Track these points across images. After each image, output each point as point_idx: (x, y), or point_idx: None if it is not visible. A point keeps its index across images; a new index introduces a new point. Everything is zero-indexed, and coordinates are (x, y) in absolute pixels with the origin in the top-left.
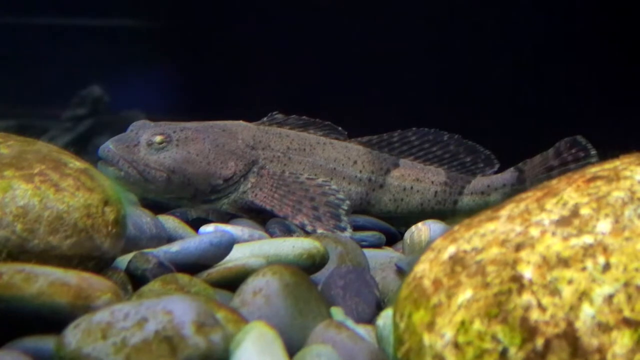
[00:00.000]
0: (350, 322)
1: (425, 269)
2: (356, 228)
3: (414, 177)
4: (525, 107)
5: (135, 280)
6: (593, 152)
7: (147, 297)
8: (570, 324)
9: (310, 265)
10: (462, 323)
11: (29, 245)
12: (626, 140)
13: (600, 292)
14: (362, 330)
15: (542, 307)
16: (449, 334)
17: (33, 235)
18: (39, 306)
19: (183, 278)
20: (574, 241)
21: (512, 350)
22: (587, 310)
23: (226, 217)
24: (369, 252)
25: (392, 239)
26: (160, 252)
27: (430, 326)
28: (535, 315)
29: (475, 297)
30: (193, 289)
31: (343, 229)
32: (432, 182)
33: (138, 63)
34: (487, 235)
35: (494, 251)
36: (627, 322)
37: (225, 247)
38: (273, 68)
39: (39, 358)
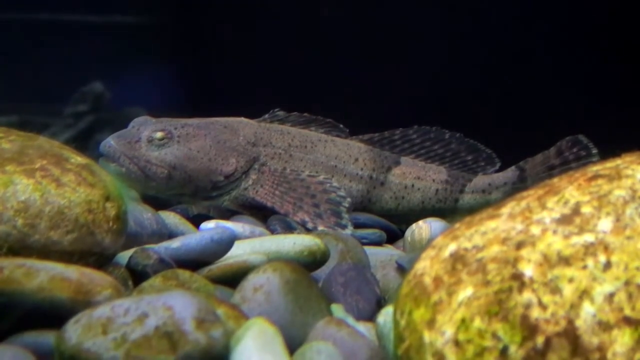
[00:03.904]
0: (350, 319)
1: (426, 266)
2: (357, 225)
3: (415, 175)
4: (526, 106)
5: (136, 276)
6: (594, 151)
7: (148, 293)
8: (570, 322)
9: (311, 262)
10: (463, 321)
11: (30, 240)
12: (627, 139)
13: (601, 290)
14: (363, 327)
15: (542, 305)
16: (449, 331)
17: (34, 230)
18: (39, 301)
19: (184, 274)
20: (575, 239)
21: (513, 348)
22: (587, 309)
23: (227, 214)
24: (370, 250)
25: (393, 236)
26: (161, 248)
27: (431, 324)
28: (535, 313)
29: (475, 294)
30: (194, 285)
31: (344, 227)
32: (434, 180)
33: (139, 60)
34: (488, 233)
35: (495, 249)
36: (628, 321)
37: (226, 243)
38: (275, 65)
39: (39, 353)
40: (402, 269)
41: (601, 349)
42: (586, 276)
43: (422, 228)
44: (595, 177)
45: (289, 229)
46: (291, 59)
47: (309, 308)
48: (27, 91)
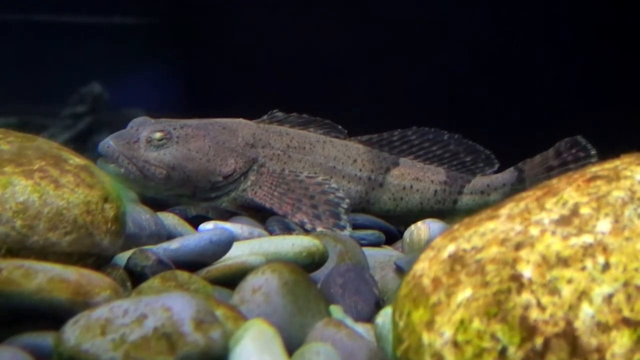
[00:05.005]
0: (349, 321)
1: (425, 267)
2: (356, 227)
3: (414, 176)
4: (525, 106)
5: (135, 277)
6: (593, 152)
7: (147, 294)
8: (569, 323)
9: (310, 264)
10: (462, 322)
11: (28, 242)
12: (626, 140)
13: (599, 291)
14: (361, 328)
15: (541, 307)
16: (448, 332)
17: (33, 231)
18: (38, 302)
19: (182, 275)
20: (573, 240)
21: (511, 349)
22: (586, 310)
23: (226, 215)
24: (369, 251)
25: (392, 237)
26: (159, 249)
27: (430, 325)
28: (534, 314)
29: (474, 296)
30: (192, 286)
31: (342, 228)
32: (432, 182)
33: (138, 60)
34: (487, 234)
35: (494, 250)
36: (627, 322)
37: (225, 244)
38: (274, 66)
39: (38, 354)
40: (401, 270)
41: (600, 350)
42: (585, 277)
43: (421, 229)
44: (594, 178)
45: (287, 230)
46: (290, 59)
47: (308, 309)
48: (26, 92)
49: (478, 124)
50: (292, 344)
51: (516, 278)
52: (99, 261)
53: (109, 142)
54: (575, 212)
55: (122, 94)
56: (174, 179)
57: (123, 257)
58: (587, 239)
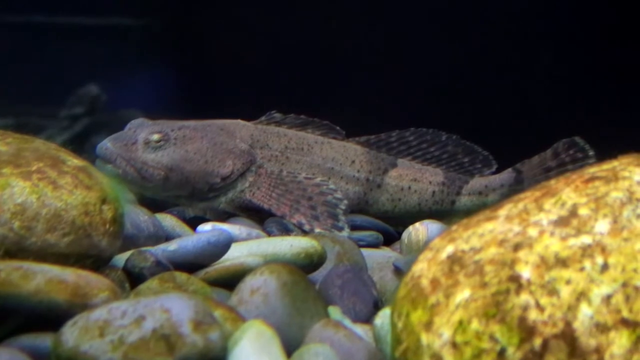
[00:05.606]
0: (347, 322)
1: (423, 268)
2: (354, 227)
3: (412, 177)
4: (524, 107)
5: (133, 279)
6: (591, 153)
7: (145, 295)
8: (568, 324)
9: (308, 265)
10: (460, 323)
11: (26, 243)
12: (624, 141)
13: (598, 292)
14: (360, 329)
15: (540, 307)
16: (446, 333)
17: (31, 232)
18: (36, 303)
19: (181, 276)
20: (572, 241)
21: (510, 350)
22: (585, 311)
23: (224, 216)
24: (367, 252)
25: (390, 238)
26: (158, 251)
27: (428, 326)
28: (533, 315)
29: (473, 296)
30: (191, 287)
31: (341, 229)
32: (430, 183)
33: (135, 62)
34: (486, 235)
35: (492, 251)
36: (625, 323)
37: (223, 245)
38: (271, 66)
39: (36, 355)
40: (400, 271)
41: (599, 350)
42: (583, 278)
43: (419, 230)
44: (592, 179)
45: (285, 231)
46: (288, 61)
47: (306, 310)
48: (23, 93)
49: (476, 124)
50: (290, 345)
51: (515, 279)
52: (97, 262)
53: (106, 144)
54: (573, 212)
55: (120, 96)
56: (171, 180)
57: (121, 259)
58: (586, 239)
